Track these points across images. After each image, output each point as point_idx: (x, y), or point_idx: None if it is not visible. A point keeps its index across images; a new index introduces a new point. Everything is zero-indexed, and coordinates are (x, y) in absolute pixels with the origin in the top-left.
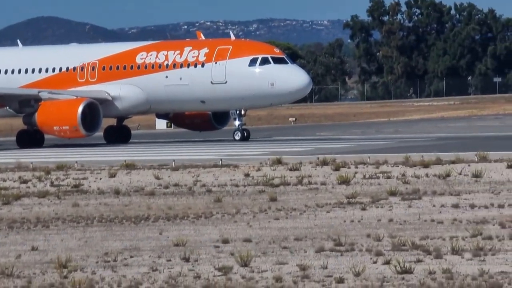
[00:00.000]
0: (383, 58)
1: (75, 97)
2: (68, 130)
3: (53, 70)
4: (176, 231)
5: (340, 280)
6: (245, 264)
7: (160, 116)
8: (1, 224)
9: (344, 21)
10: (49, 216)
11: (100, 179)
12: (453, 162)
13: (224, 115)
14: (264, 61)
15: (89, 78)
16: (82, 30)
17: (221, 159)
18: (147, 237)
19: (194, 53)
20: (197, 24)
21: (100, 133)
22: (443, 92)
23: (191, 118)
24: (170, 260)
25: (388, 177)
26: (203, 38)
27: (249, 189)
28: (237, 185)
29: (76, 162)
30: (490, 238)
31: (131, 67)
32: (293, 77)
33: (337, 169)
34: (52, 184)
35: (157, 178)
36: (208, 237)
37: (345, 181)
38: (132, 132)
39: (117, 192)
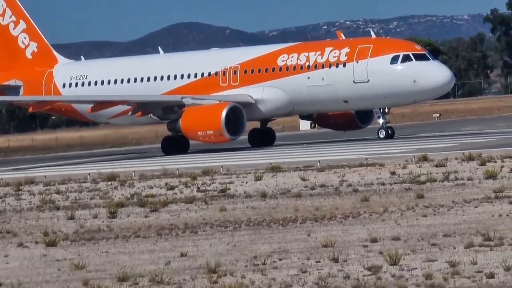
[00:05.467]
0: None
1: (218, 102)
2: (212, 135)
3: (195, 75)
4: (324, 232)
5: (491, 275)
6: (394, 262)
7: (303, 117)
8: (150, 231)
9: (484, 14)
10: (197, 221)
11: (246, 182)
12: None
13: (368, 113)
14: (406, 58)
15: (231, 82)
16: (222, 34)
17: (366, 158)
18: (296, 239)
19: (335, 53)
20: (337, 24)
21: (244, 137)
22: None
23: (334, 118)
24: (319, 261)
25: None
26: (344, 37)
27: (396, 187)
28: (383, 184)
29: (222, 166)
30: None
31: (273, 69)
32: (435, 73)
33: (483, 163)
34: (198, 190)
35: (303, 179)
36: (357, 237)
37: (492, 176)
38: (277, 134)
39: (263, 195)
